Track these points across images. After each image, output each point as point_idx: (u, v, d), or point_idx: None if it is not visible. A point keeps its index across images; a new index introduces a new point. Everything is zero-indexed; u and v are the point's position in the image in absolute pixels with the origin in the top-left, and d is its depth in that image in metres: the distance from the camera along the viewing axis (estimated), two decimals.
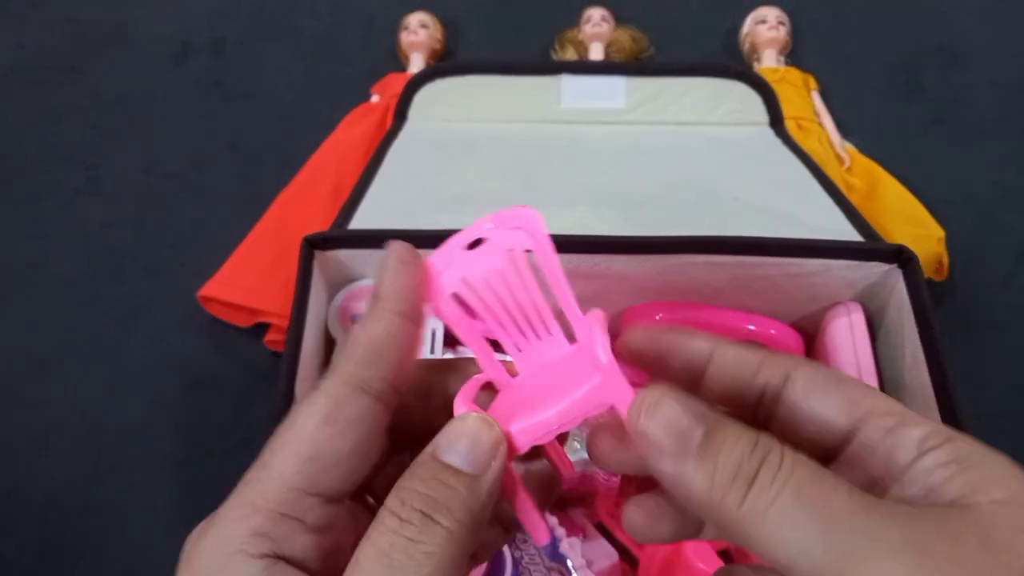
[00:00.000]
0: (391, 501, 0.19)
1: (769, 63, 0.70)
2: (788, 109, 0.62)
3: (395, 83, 0.67)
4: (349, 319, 0.47)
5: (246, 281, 0.58)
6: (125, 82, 0.75)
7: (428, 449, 0.20)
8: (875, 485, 0.19)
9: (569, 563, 0.38)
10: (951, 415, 0.37)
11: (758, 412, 0.22)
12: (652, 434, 0.19)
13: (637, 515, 0.21)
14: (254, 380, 0.58)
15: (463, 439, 0.20)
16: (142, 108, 0.73)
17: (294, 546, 0.19)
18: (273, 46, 0.76)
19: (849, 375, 0.21)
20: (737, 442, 0.18)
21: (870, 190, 0.62)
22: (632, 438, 0.19)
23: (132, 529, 0.53)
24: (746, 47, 0.72)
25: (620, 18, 0.73)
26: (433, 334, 0.45)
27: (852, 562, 0.16)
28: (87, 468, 0.55)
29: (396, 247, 0.22)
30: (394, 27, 0.73)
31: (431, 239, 0.44)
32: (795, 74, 0.68)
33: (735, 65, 0.67)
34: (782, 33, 0.70)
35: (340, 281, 0.48)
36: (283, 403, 0.40)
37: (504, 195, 0.50)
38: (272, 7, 0.79)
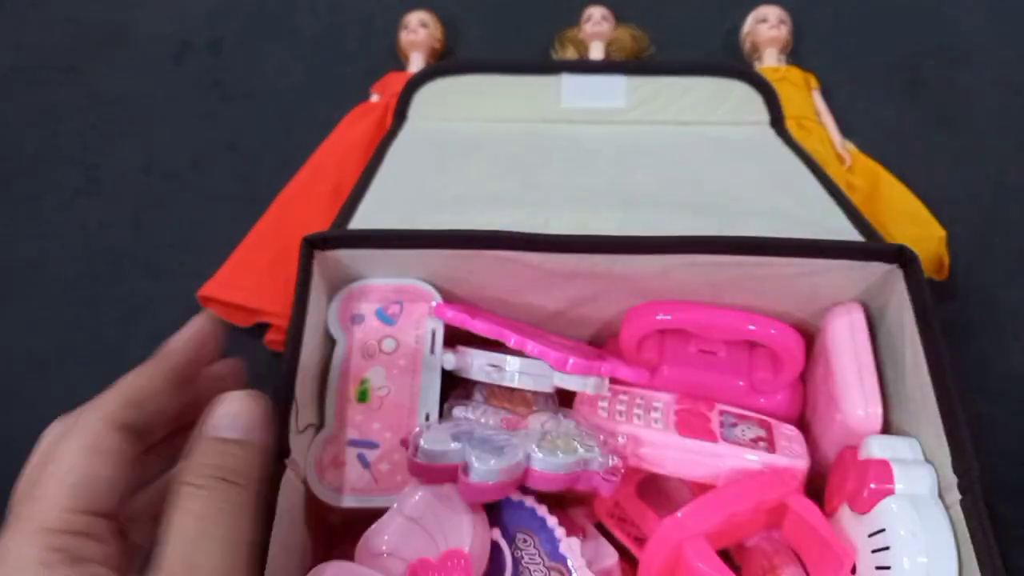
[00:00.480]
0: (189, 476, 0.23)
1: (770, 62, 0.70)
2: (789, 108, 0.62)
3: (395, 82, 0.67)
4: (349, 319, 0.47)
5: (246, 281, 0.58)
6: (124, 82, 0.74)
7: (205, 431, 0.25)
8: None
9: (569, 563, 0.38)
10: (951, 416, 0.37)
11: None
12: None
13: None
14: (254, 380, 0.57)
15: (232, 416, 0.25)
16: (141, 108, 0.73)
17: (89, 552, 0.22)
18: (273, 46, 0.76)
19: None
20: None
21: (871, 190, 0.62)
22: None
23: None
24: (747, 46, 0.72)
25: (620, 17, 0.73)
26: (433, 334, 0.45)
27: None
28: None
29: (201, 320, 0.31)
30: (394, 26, 0.73)
31: (431, 239, 0.44)
32: (796, 73, 0.68)
33: (736, 64, 0.67)
34: (783, 32, 0.70)
35: (340, 281, 0.48)
36: (283, 403, 0.40)
37: (504, 195, 0.50)
38: (271, 7, 0.79)
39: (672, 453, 0.41)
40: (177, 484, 0.23)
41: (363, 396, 0.44)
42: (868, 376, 0.42)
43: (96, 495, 0.23)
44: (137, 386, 0.27)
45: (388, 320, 0.46)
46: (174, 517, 0.22)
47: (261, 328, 0.58)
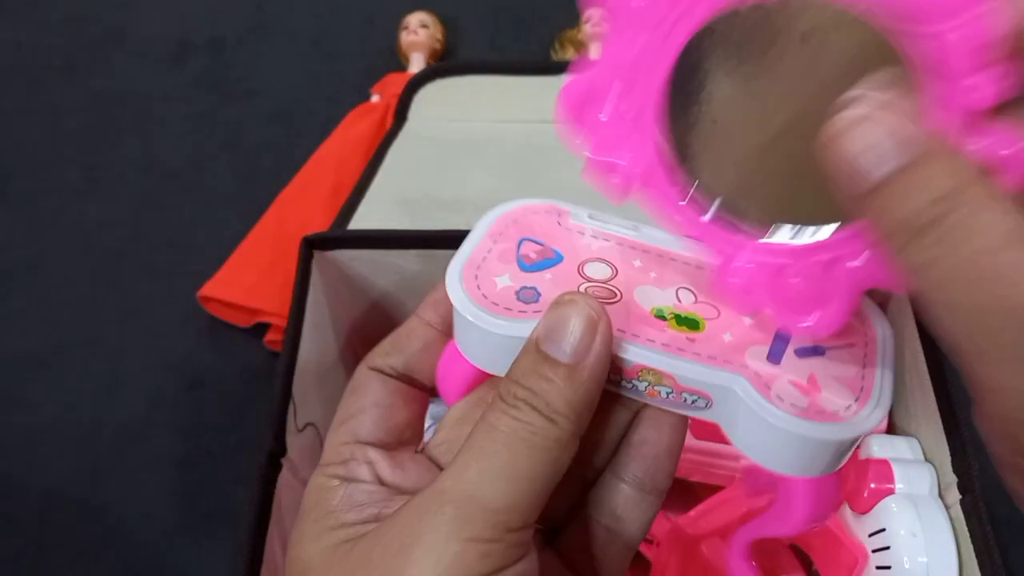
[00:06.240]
0: (502, 388, 0.20)
1: None
2: None
3: (395, 83, 0.67)
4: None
5: (246, 281, 0.58)
6: (123, 82, 0.74)
7: (532, 335, 0.21)
8: None
9: None
10: (951, 415, 0.37)
11: None
12: (835, 161, 0.16)
13: None
14: (254, 380, 0.57)
15: (559, 327, 0.20)
16: (141, 108, 0.73)
17: (358, 473, 0.23)
18: (272, 46, 0.76)
19: None
20: (926, 185, 0.15)
21: None
22: (819, 153, 0.17)
23: (131, 529, 0.53)
24: None
25: None
26: None
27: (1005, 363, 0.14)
28: (86, 468, 0.55)
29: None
30: (394, 27, 0.73)
31: (431, 239, 0.44)
32: None
33: None
34: None
35: (340, 282, 0.48)
36: (281, 403, 0.40)
37: (504, 195, 0.49)
38: (271, 6, 0.79)
39: (689, 455, 0.41)
40: (496, 391, 0.21)
41: None
42: None
43: (357, 428, 0.23)
44: (402, 330, 0.25)
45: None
46: (475, 430, 0.20)
47: (261, 328, 0.58)
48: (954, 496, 0.36)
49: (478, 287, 0.22)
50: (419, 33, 0.71)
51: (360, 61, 0.74)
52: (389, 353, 0.24)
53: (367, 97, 0.70)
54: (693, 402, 0.21)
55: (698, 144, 0.21)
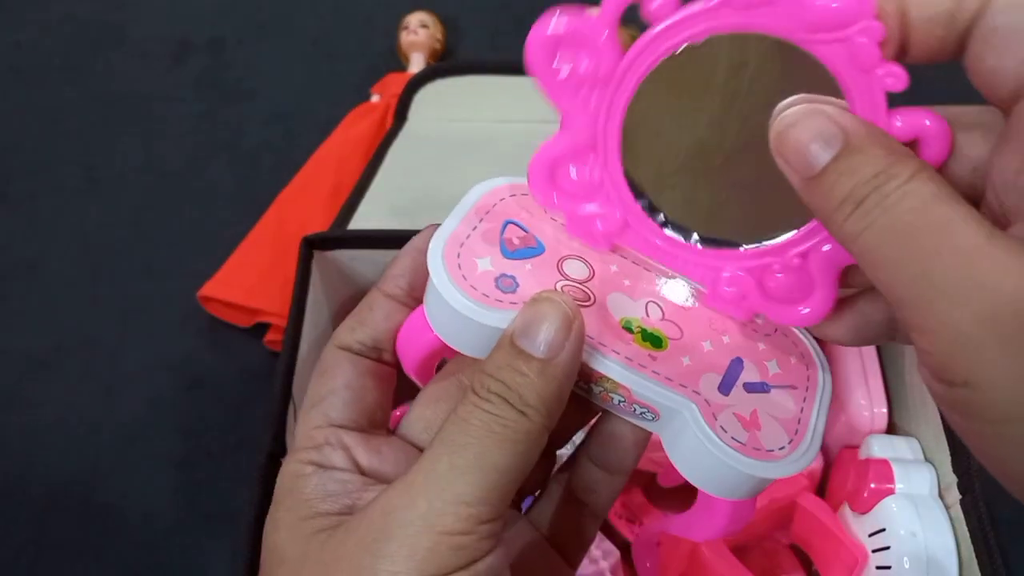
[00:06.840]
0: (475, 382, 0.21)
1: None
2: None
3: (395, 83, 0.67)
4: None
5: (246, 281, 0.58)
6: (123, 81, 0.74)
7: (508, 330, 0.21)
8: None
9: None
10: None
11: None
12: (788, 150, 0.18)
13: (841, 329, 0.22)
14: (254, 380, 0.57)
15: (535, 323, 0.20)
16: (140, 108, 0.73)
17: (335, 460, 0.23)
18: (273, 46, 0.76)
19: None
20: (863, 165, 0.17)
21: None
22: (772, 147, 0.19)
23: (131, 529, 0.53)
24: None
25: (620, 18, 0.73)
26: None
27: (943, 308, 0.16)
28: (86, 469, 0.55)
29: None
30: (394, 27, 0.73)
31: None
32: None
33: None
34: None
35: (339, 281, 0.48)
36: (280, 403, 0.40)
37: None
38: (271, 6, 0.79)
39: None
40: (468, 384, 0.21)
41: None
42: (873, 376, 0.42)
43: (329, 410, 0.23)
44: (363, 306, 0.25)
45: None
46: (447, 422, 0.20)
47: (261, 328, 0.58)
48: (954, 496, 0.36)
49: (459, 266, 0.22)
50: (419, 33, 0.71)
51: (360, 61, 0.74)
52: (354, 328, 0.24)
53: (367, 97, 0.70)
54: (641, 413, 0.22)
55: (663, 177, 0.22)
